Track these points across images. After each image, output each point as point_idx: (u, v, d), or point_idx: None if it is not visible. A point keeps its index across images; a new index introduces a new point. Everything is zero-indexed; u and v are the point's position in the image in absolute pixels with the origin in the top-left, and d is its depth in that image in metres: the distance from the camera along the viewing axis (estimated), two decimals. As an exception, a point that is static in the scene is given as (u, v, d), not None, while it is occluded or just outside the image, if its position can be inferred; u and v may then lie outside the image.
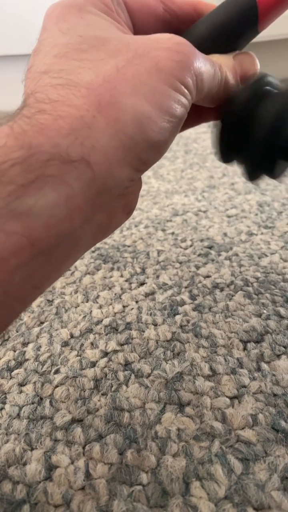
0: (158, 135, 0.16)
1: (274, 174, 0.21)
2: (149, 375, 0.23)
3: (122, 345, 0.26)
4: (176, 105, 0.16)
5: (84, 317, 0.29)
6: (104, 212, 0.16)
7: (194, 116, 0.23)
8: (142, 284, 0.32)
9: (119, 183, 0.15)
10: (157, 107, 0.15)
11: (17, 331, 0.28)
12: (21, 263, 0.13)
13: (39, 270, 0.14)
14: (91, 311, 0.29)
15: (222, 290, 0.31)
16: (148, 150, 0.16)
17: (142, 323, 0.28)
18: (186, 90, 0.16)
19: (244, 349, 0.25)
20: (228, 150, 0.21)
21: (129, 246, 0.38)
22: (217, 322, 0.27)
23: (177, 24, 0.21)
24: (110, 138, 0.14)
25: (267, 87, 0.20)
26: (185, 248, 0.37)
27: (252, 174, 0.21)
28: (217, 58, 0.19)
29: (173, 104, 0.16)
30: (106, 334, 0.27)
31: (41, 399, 0.22)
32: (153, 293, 0.31)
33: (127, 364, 0.24)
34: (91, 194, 0.14)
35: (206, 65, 0.18)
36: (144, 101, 0.15)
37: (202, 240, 0.38)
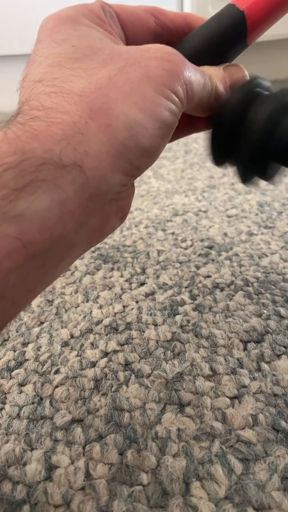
0: (149, 141, 0.16)
1: (266, 176, 0.21)
2: (149, 375, 0.23)
3: (122, 345, 0.26)
4: (167, 112, 0.16)
5: (84, 317, 0.29)
6: (97, 216, 0.16)
7: (186, 125, 0.23)
8: (142, 284, 0.32)
9: (112, 188, 0.16)
10: (148, 114, 0.16)
11: (17, 331, 0.28)
12: (15, 266, 0.13)
13: (33, 273, 0.14)
14: (91, 311, 0.29)
15: (222, 290, 0.31)
16: (140, 155, 0.16)
17: (142, 323, 0.28)
18: (176, 98, 0.17)
19: (244, 349, 0.25)
20: (220, 152, 0.22)
21: (129, 246, 0.38)
22: (217, 322, 0.27)
23: (169, 36, 0.22)
24: (102, 143, 0.15)
25: (258, 89, 0.20)
26: (185, 248, 0.37)
27: (245, 177, 0.22)
28: (207, 69, 0.20)
29: (164, 111, 0.16)
30: (106, 334, 0.27)
31: (41, 399, 0.22)
32: (153, 293, 0.31)
33: (127, 364, 0.24)
34: (84, 198, 0.14)
35: (196, 74, 0.18)
36: (135, 108, 0.15)
37: (202, 240, 0.38)
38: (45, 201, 0.13)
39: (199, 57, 0.20)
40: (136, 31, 0.21)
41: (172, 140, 0.23)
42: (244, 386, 0.22)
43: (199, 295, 0.30)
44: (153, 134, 0.16)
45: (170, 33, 0.22)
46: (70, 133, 0.14)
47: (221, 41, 0.21)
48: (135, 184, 0.57)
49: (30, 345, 0.26)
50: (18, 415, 0.22)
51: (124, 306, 0.30)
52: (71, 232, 0.14)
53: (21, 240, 0.13)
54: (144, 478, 0.18)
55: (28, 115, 0.15)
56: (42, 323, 0.29)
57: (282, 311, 0.28)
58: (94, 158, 0.14)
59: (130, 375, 0.23)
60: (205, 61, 0.20)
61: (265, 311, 0.28)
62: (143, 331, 0.27)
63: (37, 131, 0.14)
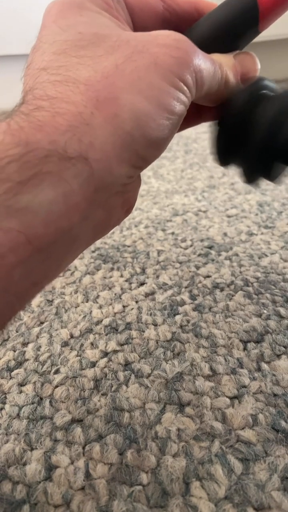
0: (157, 132, 0.15)
1: (271, 176, 0.21)
2: (149, 375, 0.23)
3: (122, 345, 0.26)
4: (175, 102, 0.16)
5: (84, 317, 0.29)
6: (102, 209, 0.16)
7: (194, 115, 0.23)
8: (142, 284, 0.32)
9: (118, 180, 0.15)
10: (155, 104, 0.15)
11: (17, 331, 0.28)
12: (20, 260, 0.13)
13: (38, 267, 0.13)
14: (91, 311, 0.29)
15: (222, 290, 0.31)
16: (147, 146, 0.15)
17: (142, 323, 0.28)
18: (185, 87, 0.16)
19: (244, 349, 0.25)
20: (225, 153, 0.22)
21: (129, 246, 0.38)
22: (217, 322, 0.27)
23: (178, 22, 0.21)
24: (108, 134, 0.14)
25: (264, 91, 0.20)
26: (185, 248, 0.37)
27: (250, 177, 0.22)
28: (218, 57, 0.19)
29: (172, 101, 0.16)
30: (106, 334, 0.27)
31: (41, 399, 0.22)
32: (153, 293, 0.31)
33: (127, 364, 0.24)
34: (90, 191, 0.14)
35: (206, 62, 0.18)
36: (142, 97, 0.15)
37: (202, 240, 0.38)
38: (49, 194, 0.13)
39: (209, 44, 0.20)
40: (143, 17, 0.20)
41: (179, 130, 0.22)
42: (244, 386, 0.22)
43: (199, 295, 0.30)
44: (160, 125, 0.15)
45: (179, 19, 0.21)
46: (76, 124, 0.14)
47: (232, 27, 0.20)
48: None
49: (30, 345, 0.26)
50: (18, 415, 0.22)
51: (124, 306, 0.30)
52: (76, 225, 0.14)
53: (25, 234, 0.12)
54: (144, 478, 0.18)
55: (32, 105, 0.14)
56: (42, 323, 0.29)
57: (282, 311, 0.28)
58: (99, 150, 0.14)
59: (130, 375, 0.23)
60: (215, 49, 0.20)
61: (265, 311, 0.28)
62: (143, 331, 0.27)
63: (42, 122, 0.14)
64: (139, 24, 0.20)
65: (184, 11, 0.21)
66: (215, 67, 0.18)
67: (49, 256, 0.14)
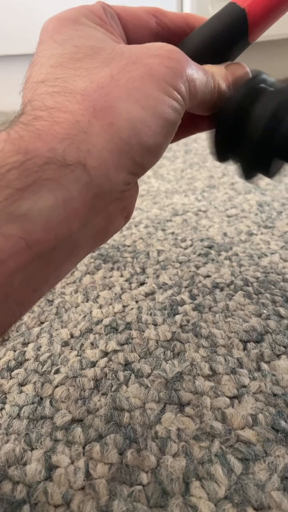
0: (152, 139, 0.16)
1: (269, 173, 0.21)
2: (149, 375, 0.23)
3: (122, 345, 0.26)
4: (170, 110, 0.16)
5: (84, 317, 0.29)
6: (102, 216, 0.16)
7: (188, 125, 0.23)
8: (142, 284, 0.32)
9: (116, 187, 0.15)
10: (150, 112, 0.16)
11: (17, 331, 0.28)
12: (20, 266, 0.13)
13: (38, 274, 0.14)
14: (91, 311, 0.29)
15: (222, 290, 0.31)
16: (143, 153, 0.16)
17: (142, 323, 0.28)
18: (179, 96, 0.17)
19: (244, 349, 0.25)
20: (223, 148, 0.21)
21: (129, 246, 0.38)
22: (217, 322, 0.27)
23: (170, 37, 0.22)
24: (106, 142, 0.15)
25: (262, 85, 0.20)
26: (185, 248, 0.37)
27: (248, 173, 0.21)
28: (210, 67, 0.20)
29: (167, 109, 0.16)
30: (106, 334, 0.27)
31: (41, 399, 0.22)
32: (153, 293, 0.31)
33: (127, 364, 0.24)
34: (88, 197, 0.14)
35: (198, 72, 0.18)
36: (138, 106, 0.15)
37: (202, 240, 0.38)
38: (49, 200, 0.13)
39: (201, 57, 0.20)
40: (137, 32, 0.21)
41: (174, 140, 0.23)
42: (244, 386, 0.22)
43: (198, 295, 0.30)
44: (156, 132, 0.16)
45: (171, 34, 0.22)
46: (73, 132, 0.14)
47: (222, 39, 0.21)
48: (135, 184, 0.57)
49: (30, 345, 0.26)
50: (18, 415, 0.22)
51: (124, 306, 0.30)
52: (76, 232, 0.14)
53: (26, 240, 0.13)
54: (144, 478, 0.18)
55: (31, 116, 0.15)
56: (42, 323, 0.29)
57: (282, 311, 0.28)
58: (97, 157, 0.14)
59: (130, 375, 0.23)
60: (207, 60, 0.20)
61: (264, 311, 0.28)
62: (143, 331, 0.27)
63: (40, 131, 0.14)
64: (132, 38, 0.21)
65: (175, 25, 0.22)
66: (207, 76, 0.19)
67: (49, 262, 0.14)
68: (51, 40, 0.18)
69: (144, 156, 0.16)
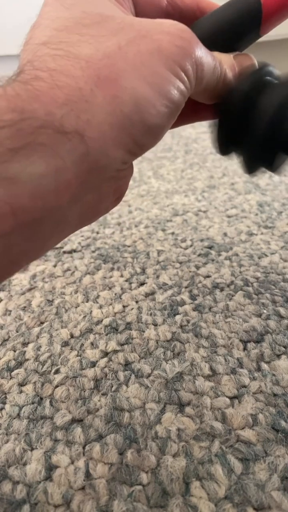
0: (155, 119, 0.15)
1: (273, 166, 0.20)
2: (149, 375, 0.23)
3: (122, 345, 0.26)
4: (175, 90, 0.16)
5: (84, 317, 0.29)
6: (94, 193, 0.15)
7: (191, 112, 0.23)
8: (142, 284, 0.32)
9: (112, 164, 0.15)
10: (156, 90, 0.15)
11: (17, 331, 0.28)
12: (2, 232, 0.12)
13: (20, 245, 0.13)
14: (91, 311, 0.29)
15: (222, 290, 0.31)
16: (144, 132, 0.15)
17: (142, 323, 0.28)
18: (185, 77, 0.16)
19: (244, 349, 0.25)
20: (227, 141, 0.21)
21: (129, 246, 0.38)
22: (217, 322, 0.27)
23: (179, 19, 0.21)
24: (107, 114, 0.14)
25: (268, 78, 0.20)
26: (185, 248, 0.37)
27: (251, 166, 0.21)
28: (218, 54, 0.19)
29: (172, 89, 0.16)
30: (106, 334, 0.27)
31: (41, 399, 0.22)
32: (153, 293, 0.31)
33: (127, 364, 0.24)
34: (83, 171, 0.14)
35: (207, 56, 0.18)
36: (144, 83, 0.15)
37: (202, 240, 0.38)
38: (40, 166, 0.12)
39: (210, 43, 0.20)
40: (147, 10, 0.20)
41: (174, 126, 0.22)
42: (244, 386, 0.22)
43: (199, 295, 0.30)
44: (159, 112, 0.15)
45: (181, 16, 0.21)
46: (74, 99, 0.14)
47: (234, 27, 0.21)
48: (135, 184, 0.57)
49: (30, 345, 0.26)
50: (18, 415, 0.22)
51: (124, 306, 0.30)
52: (65, 206, 0.14)
53: (11, 204, 0.12)
54: (144, 478, 0.18)
55: (30, 75, 0.14)
56: (42, 323, 0.29)
57: (282, 311, 0.28)
58: (96, 129, 0.14)
59: (130, 375, 0.23)
60: (216, 48, 0.20)
61: (265, 311, 0.28)
62: (143, 331, 0.27)
63: (39, 92, 0.13)
64: (141, 15, 0.20)
65: (187, 8, 0.21)
66: (215, 62, 0.18)
67: (32, 234, 0.13)
68: (57, 2, 0.17)
69: (144, 135, 0.15)
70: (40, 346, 0.26)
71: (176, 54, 0.16)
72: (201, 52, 0.17)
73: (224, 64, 0.19)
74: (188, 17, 0.21)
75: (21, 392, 0.23)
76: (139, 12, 0.20)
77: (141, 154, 0.16)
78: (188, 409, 0.21)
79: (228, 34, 0.21)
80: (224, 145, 0.21)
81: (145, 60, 0.15)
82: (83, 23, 0.16)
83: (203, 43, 0.18)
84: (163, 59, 0.15)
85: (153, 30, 0.16)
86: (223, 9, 0.21)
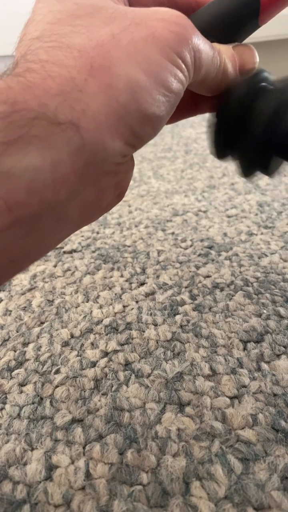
0: (152, 107, 0.15)
1: (268, 170, 0.21)
2: (149, 375, 0.23)
3: (122, 345, 0.26)
4: (172, 78, 0.15)
5: (85, 317, 0.29)
6: (93, 188, 0.15)
7: (190, 105, 0.22)
8: (142, 284, 0.32)
9: (110, 157, 0.14)
10: (152, 78, 0.15)
11: (17, 331, 0.28)
12: None
13: (18, 243, 0.13)
14: (92, 311, 0.29)
15: (222, 290, 0.31)
16: (142, 122, 0.15)
17: (142, 323, 0.28)
18: (183, 65, 0.16)
19: (244, 349, 0.25)
20: (223, 145, 0.21)
21: (129, 246, 0.38)
22: (217, 322, 0.27)
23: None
24: (102, 104, 0.14)
25: (264, 83, 0.20)
26: (185, 248, 0.37)
27: (247, 171, 0.21)
28: (217, 45, 0.19)
29: (169, 77, 0.15)
30: (106, 334, 0.27)
31: (42, 399, 0.22)
32: (153, 293, 0.31)
33: (127, 364, 0.24)
34: (80, 164, 0.13)
35: (205, 44, 0.17)
36: (139, 70, 0.14)
37: (202, 240, 0.38)
38: (36, 159, 0.12)
39: (208, 34, 0.19)
40: (142, 2, 0.20)
41: (173, 120, 0.21)
42: (244, 386, 0.22)
43: (199, 295, 0.30)
44: (157, 100, 0.15)
45: (177, 8, 0.20)
46: (67, 89, 0.13)
47: (232, 18, 0.20)
48: (135, 184, 0.57)
49: (31, 345, 0.26)
50: (19, 415, 0.22)
51: (124, 306, 0.30)
52: (63, 201, 0.13)
53: (6, 200, 0.12)
54: (144, 477, 0.18)
55: (22, 68, 0.14)
56: (42, 323, 0.29)
57: (282, 311, 0.28)
58: (92, 119, 0.13)
59: (130, 375, 0.24)
60: (214, 39, 0.19)
61: (264, 311, 0.28)
62: (143, 331, 0.27)
63: (31, 83, 0.13)
64: (136, 6, 0.20)
65: (183, 0, 0.21)
66: (214, 52, 0.18)
67: (31, 231, 0.13)
68: None
69: (142, 126, 0.15)
70: (41, 346, 0.26)
71: (171, 41, 0.15)
72: (199, 39, 0.16)
73: (223, 54, 0.19)
74: (184, 10, 0.20)
75: (21, 392, 0.23)
76: (133, 3, 0.20)
77: (140, 147, 0.16)
78: (188, 409, 0.21)
79: (226, 25, 0.20)
80: (221, 149, 0.21)
81: (140, 47, 0.15)
82: (76, 15, 0.16)
83: (202, 34, 0.18)
84: (158, 45, 0.15)
85: (147, 17, 0.16)
86: (220, 0, 0.21)
